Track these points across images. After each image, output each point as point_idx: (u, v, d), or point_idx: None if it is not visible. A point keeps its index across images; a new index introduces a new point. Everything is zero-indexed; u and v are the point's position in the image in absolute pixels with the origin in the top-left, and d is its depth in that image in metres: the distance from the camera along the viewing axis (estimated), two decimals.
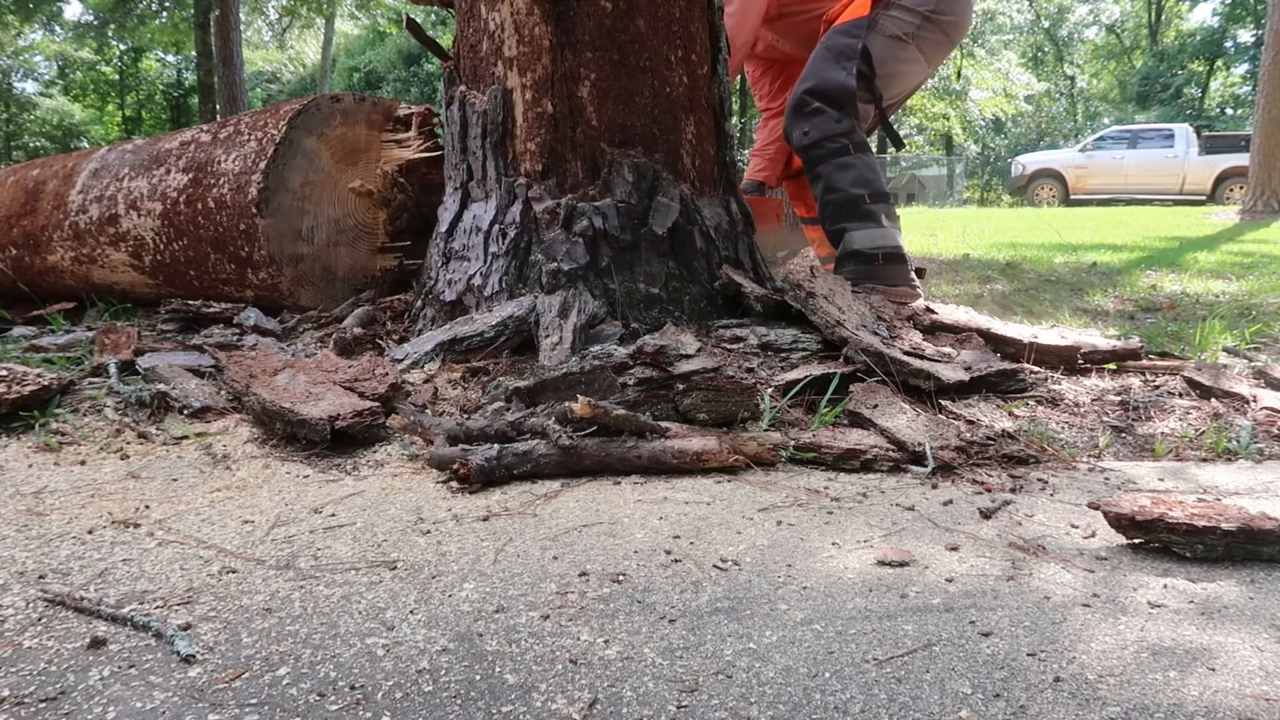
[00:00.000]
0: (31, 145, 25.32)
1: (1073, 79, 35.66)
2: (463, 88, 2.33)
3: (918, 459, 1.50)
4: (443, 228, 2.38)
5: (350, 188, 2.72)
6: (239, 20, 14.35)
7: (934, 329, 2.21)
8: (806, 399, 1.78)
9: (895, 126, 3.02)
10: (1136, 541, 1.15)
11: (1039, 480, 1.45)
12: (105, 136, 27.79)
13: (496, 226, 2.23)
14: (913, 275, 2.63)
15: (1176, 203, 15.21)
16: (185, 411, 1.76)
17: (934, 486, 1.42)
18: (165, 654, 0.88)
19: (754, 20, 2.90)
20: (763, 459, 1.50)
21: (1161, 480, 1.46)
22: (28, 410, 1.75)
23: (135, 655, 0.88)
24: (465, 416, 1.72)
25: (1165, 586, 1.04)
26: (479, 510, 1.30)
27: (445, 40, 3.11)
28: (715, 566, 1.09)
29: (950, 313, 2.35)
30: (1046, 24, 34.06)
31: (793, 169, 3.37)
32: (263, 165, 2.57)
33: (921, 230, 7.53)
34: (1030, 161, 18.09)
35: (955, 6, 2.75)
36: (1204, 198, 15.50)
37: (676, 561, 1.11)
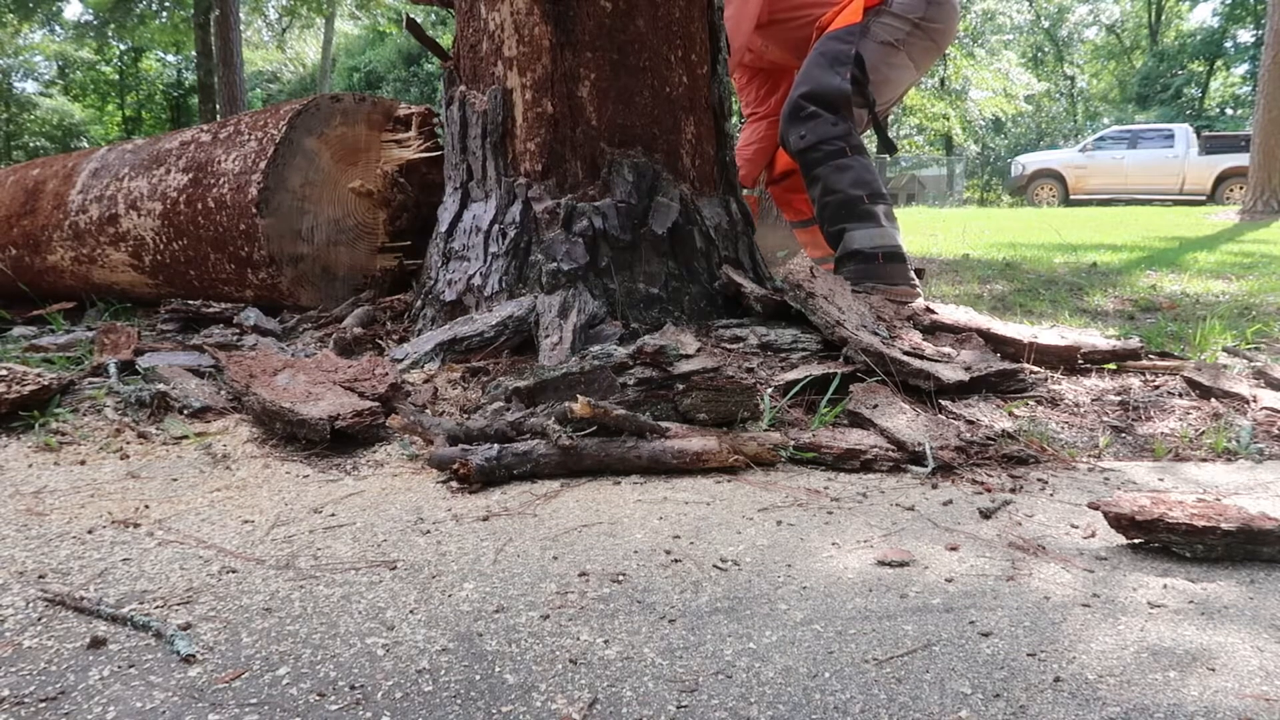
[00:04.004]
0: (31, 145, 25.30)
1: (1073, 79, 35.66)
2: (463, 88, 2.33)
3: (918, 459, 1.50)
4: (443, 228, 2.38)
5: (350, 188, 2.72)
6: (239, 20, 14.34)
7: (934, 329, 2.21)
8: (806, 399, 1.78)
9: (895, 128, 3.04)
10: (1136, 541, 1.15)
11: (1039, 480, 1.45)
12: (105, 136, 27.77)
13: (496, 226, 2.23)
14: (912, 274, 2.64)
15: (1176, 203, 15.22)
16: (185, 411, 1.76)
17: (934, 486, 1.42)
18: (165, 654, 0.88)
19: (747, 26, 2.91)
20: (763, 459, 1.50)
21: (1161, 480, 1.46)
22: (28, 410, 1.75)
23: (135, 655, 0.88)
24: (465, 416, 1.72)
25: (1165, 586, 1.04)
26: (479, 510, 1.30)
27: (445, 40, 3.11)
28: (715, 566, 1.09)
29: (950, 313, 2.35)
30: (1046, 24, 34.06)
31: (776, 173, 3.38)
32: (263, 165, 2.56)
33: (921, 230, 7.53)
34: (1030, 161, 18.09)
35: (943, 14, 2.80)
36: (1204, 198, 15.50)
37: (676, 561, 1.11)
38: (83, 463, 1.55)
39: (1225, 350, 2.37)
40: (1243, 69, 30.18)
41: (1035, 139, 32.63)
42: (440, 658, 0.87)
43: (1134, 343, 2.14)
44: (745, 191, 3.41)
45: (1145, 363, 2.09)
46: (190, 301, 2.68)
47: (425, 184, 2.78)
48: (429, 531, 1.21)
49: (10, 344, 2.49)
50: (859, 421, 1.65)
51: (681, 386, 1.65)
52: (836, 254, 2.71)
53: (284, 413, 1.60)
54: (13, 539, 1.18)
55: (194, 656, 0.87)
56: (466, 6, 2.32)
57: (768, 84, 3.40)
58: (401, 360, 2.04)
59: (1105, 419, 1.77)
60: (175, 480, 1.45)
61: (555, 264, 2.14)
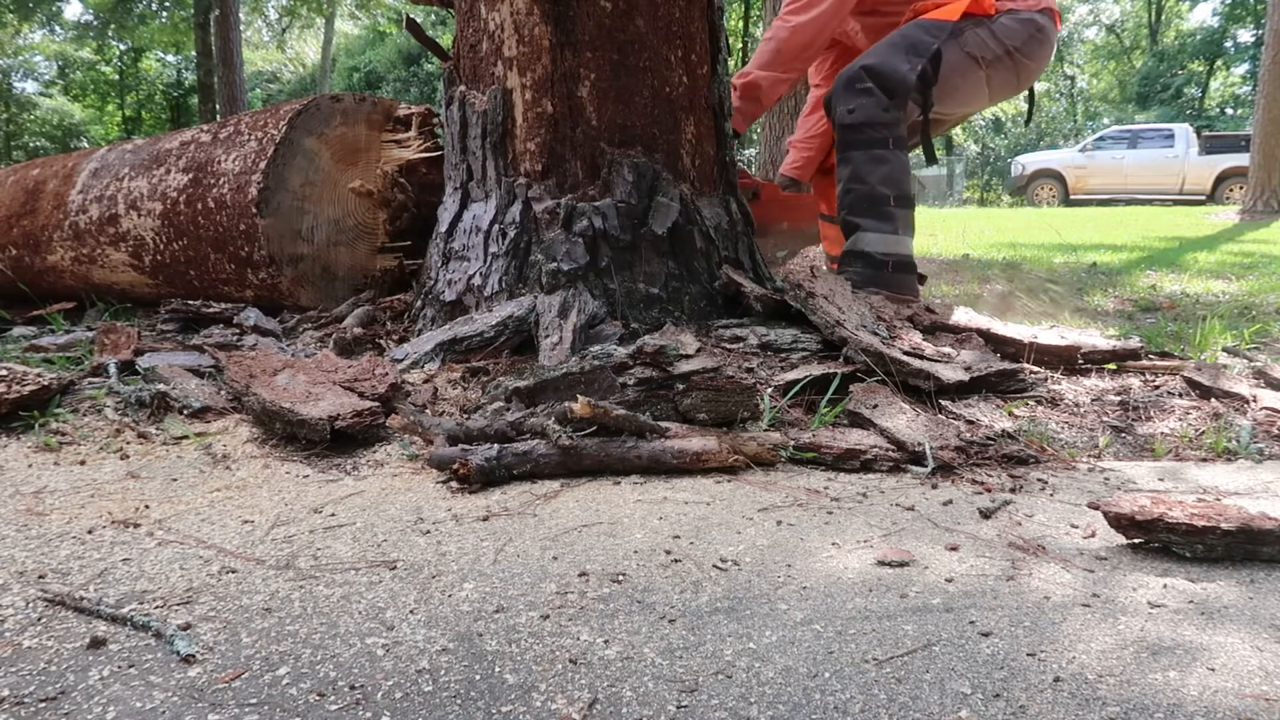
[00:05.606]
0: (31, 145, 25.28)
1: (1073, 79, 35.65)
2: (462, 88, 2.33)
3: (917, 459, 1.50)
4: (442, 228, 2.38)
5: (350, 188, 2.72)
6: (239, 20, 14.36)
7: (934, 329, 2.21)
8: (806, 399, 1.78)
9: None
10: (1136, 541, 1.15)
11: (1039, 480, 1.45)
12: (105, 136, 27.75)
13: (496, 226, 2.23)
14: (917, 287, 2.60)
15: (1176, 203, 15.23)
16: (185, 411, 1.76)
17: (934, 486, 1.42)
18: (165, 654, 0.88)
19: (845, 10, 2.75)
20: (763, 459, 1.50)
21: (1161, 480, 1.46)
22: (28, 410, 1.75)
23: (135, 655, 0.88)
24: (465, 416, 1.72)
25: (1165, 586, 1.04)
26: (479, 510, 1.30)
27: (445, 40, 3.11)
28: (715, 566, 1.09)
29: (950, 313, 2.35)
30: None
31: (827, 165, 3.27)
32: (263, 165, 2.56)
33: (921, 230, 7.51)
34: (1030, 161, 18.09)
35: (1039, 52, 2.68)
36: (1204, 198, 15.51)
37: (676, 561, 1.11)
38: (83, 463, 1.55)
39: (1225, 350, 2.37)
40: (1243, 69, 30.18)
41: (1035, 139, 32.60)
42: (440, 658, 0.87)
43: (1134, 343, 2.14)
44: (800, 188, 3.32)
45: (1145, 363, 2.09)
46: (190, 301, 2.68)
47: (425, 184, 2.78)
48: (429, 531, 1.21)
49: (10, 344, 2.49)
50: (859, 421, 1.65)
51: (681, 386, 1.65)
52: (844, 247, 2.64)
53: (284, 413, 1.60)
54: (13, 539, 1.18)
55: (194, 656, 0.87)
56: (466, 6, 2.32)
57: (840, 59, 3.20)
58: (401, 360, 2.04)
59: (1105, 419, 1.77)
60: (175, 480, 1.45)
61: (555, 264, 2.14)
